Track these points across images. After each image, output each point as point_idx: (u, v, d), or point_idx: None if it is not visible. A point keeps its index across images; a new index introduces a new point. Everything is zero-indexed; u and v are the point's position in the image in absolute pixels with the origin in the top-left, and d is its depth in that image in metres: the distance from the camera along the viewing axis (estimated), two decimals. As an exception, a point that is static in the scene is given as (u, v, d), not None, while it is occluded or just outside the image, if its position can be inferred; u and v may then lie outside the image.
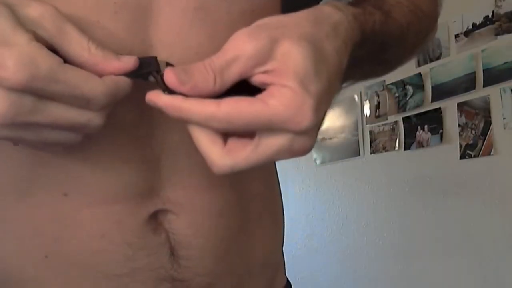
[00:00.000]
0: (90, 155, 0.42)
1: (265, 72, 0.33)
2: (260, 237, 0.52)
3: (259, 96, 0.33)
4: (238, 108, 0.33)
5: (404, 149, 2.15)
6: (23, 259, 0.45)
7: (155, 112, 0.41)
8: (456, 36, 1.96)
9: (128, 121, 0.42)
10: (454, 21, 1.96)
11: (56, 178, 0.42)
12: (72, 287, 0.44)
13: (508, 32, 1.78)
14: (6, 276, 0.46)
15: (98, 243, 0.43)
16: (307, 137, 0.35)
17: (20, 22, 0.32)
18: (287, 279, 0.64)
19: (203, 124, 0.34)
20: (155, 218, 0.44)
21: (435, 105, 2.02)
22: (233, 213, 0.47)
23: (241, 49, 0.33)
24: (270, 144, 0.34)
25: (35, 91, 0.32)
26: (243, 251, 0.50)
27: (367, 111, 2.35)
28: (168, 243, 0.44)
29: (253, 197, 0.51)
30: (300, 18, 0.36)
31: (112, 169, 0.42)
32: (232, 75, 0.34)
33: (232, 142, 0.35)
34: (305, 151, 0.36)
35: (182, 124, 0.38)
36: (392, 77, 2.21)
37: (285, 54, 0.33)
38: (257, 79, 0.34)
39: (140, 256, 0.43)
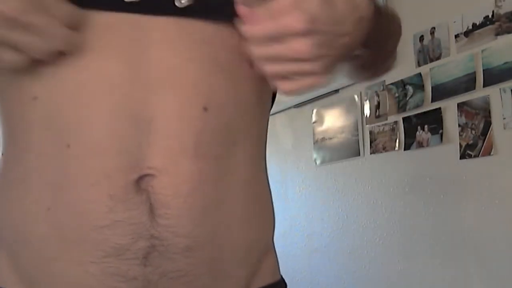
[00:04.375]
0: (87, 107, 0.48)
1: None
2: (241, 219, 0.55)
3: None
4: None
5: (404, 149, 2.15)
6: (27, 212, 0.50)
7: (152, 75, 0.48)
8: (456, 36, 1.96)
9: (125, 79, 0.48)
10: (454, 21, 1.96)
11: (61, 130, 0.48)
12: (67, 241, 0.49)
13: (508, 32, 1.78)
14: (14, 237, 0.52)
15: (88, 192, 0.48)
16: (302, 40, 0.48)
17: None
18: (282, 278, 0.64)
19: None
20: (139, 181, 0.48)
21: (435, 105, 2.02)
22: (212, 184, 0.51)
23: None
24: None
25: None
26: (221, 225, 0.53)
27: (367, 111, 2.35)
28: (148, 202, 0.48)
29: (236, 180, 0.54)
30: None
31: (107, 124, 0.48)
32: None
33: None
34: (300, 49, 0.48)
35: (177, 90, 0.49)
36: (392, 77, 2.21)
37: None
38: None
39: (121, 209, 0.48)
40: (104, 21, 0.48)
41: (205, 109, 0.50)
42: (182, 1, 0.49)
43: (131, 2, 0.48)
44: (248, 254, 0.56)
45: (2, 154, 0.54)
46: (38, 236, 0.50)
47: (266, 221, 0.60)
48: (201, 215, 0.50)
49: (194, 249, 0.50)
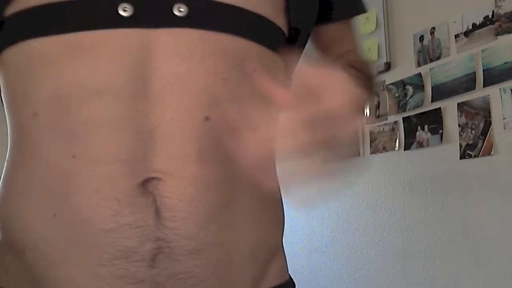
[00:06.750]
0: (93, 121, 0.49)
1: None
2: (248, 222, 0.55)
3: None
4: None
5: (404, 149, 2.15)
6: (34, 218, 0.51)
7: (154, 87, 0.49)
8: (456, 36, 1.96)
9: (129, 94, 0.49)
10: (454, 21, 1.96)
11: (67, 142, 0.50)
12: (74, 244, 0.50)
13: (508, 32, 1.78)
14: (22, 240, 0.52)
15: (93, 197, 0.49)
16: None
17: None
18: (291, 278, 0.64)
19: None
20: (145, 184, 0.49)
21: (435, 105, 2.02)
22: (216, 188, 0.52)
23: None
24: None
25: None
26: (227, 228, 0.53)
27: (367, 111, 2.35)
28: (154, 205, 0.49)
29: (242, 183, 0.55)
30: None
31: (111, 134, 0.49)
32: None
33: None
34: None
35: (179, 100, 0.50)
36: (392, 77, 2.21)
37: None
38: None
39: (127, 213, 0.48)
40: (104, 36, 0.49)
41: (207, 118, 0.51)
42: (181, 10, 0.49)
43: (128, 16, 0.49)
44: (256, 255, 0.57)
45: (7, 160, 0.56)
46: (45, 240, 0.51)
47: (275, 222, 0.60)
48: (206, 218, 0.51)
49: (201, 251, 0.50)
